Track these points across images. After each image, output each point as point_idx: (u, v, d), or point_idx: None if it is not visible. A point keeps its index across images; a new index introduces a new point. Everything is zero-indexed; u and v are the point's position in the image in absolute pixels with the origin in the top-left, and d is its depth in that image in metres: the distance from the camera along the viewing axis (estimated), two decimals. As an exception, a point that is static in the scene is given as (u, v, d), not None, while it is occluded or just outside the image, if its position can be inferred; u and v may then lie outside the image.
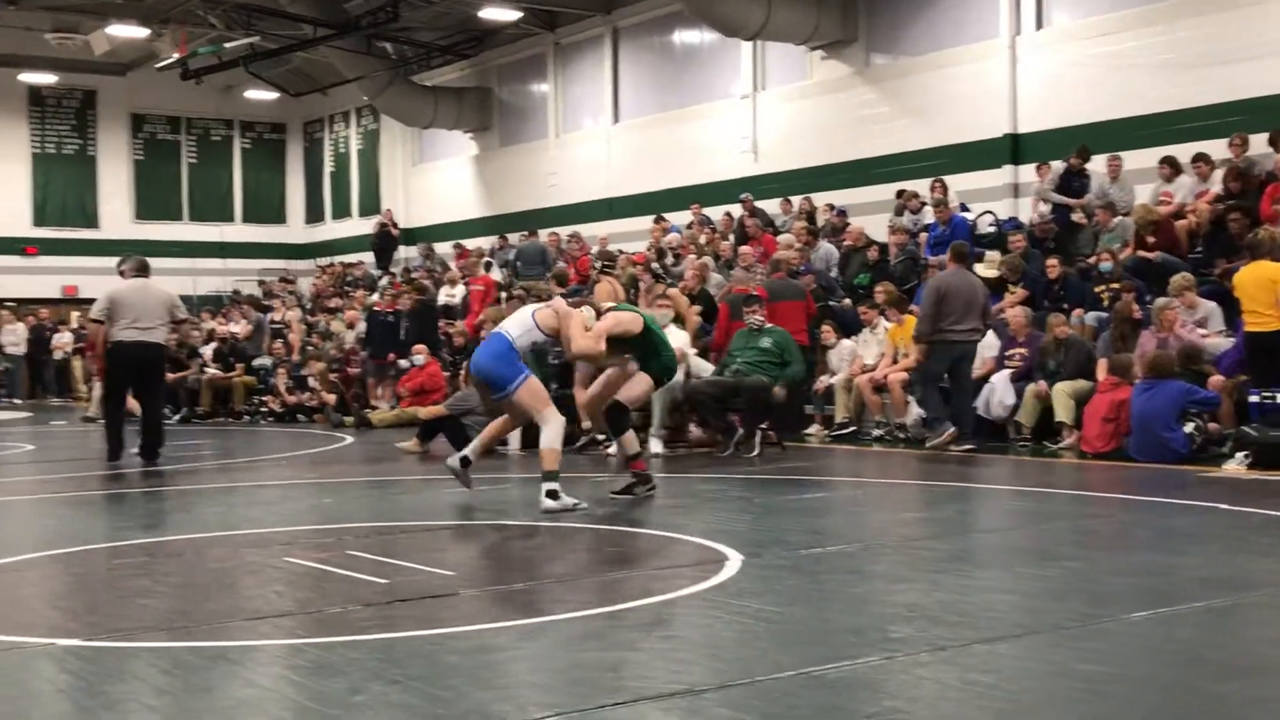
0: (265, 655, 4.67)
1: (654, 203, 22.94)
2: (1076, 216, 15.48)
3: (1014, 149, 18.02)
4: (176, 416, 20.23)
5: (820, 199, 19.57)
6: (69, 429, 16.04)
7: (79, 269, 29.96)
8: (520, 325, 8.73)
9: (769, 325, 12.64)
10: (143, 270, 12.74)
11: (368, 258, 29.34)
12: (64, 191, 32.30)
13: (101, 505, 9.89)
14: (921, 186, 17.61)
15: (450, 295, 21.12)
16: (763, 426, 12.33)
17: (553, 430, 8.49)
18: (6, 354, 27.21)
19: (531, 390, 8.58)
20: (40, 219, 31.96)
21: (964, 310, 12.16)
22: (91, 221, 32.44)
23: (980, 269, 14.92)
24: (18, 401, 26.37)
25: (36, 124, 31.97)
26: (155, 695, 4.09)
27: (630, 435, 9.12)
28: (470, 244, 25.88)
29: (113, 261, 13.62)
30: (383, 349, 18.65)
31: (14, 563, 6.77)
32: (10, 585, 6.31)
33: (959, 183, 17.70)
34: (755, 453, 11.80)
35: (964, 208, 17.08)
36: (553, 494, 8.22)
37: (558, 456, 8.41)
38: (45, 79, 31.03)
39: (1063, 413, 12.10)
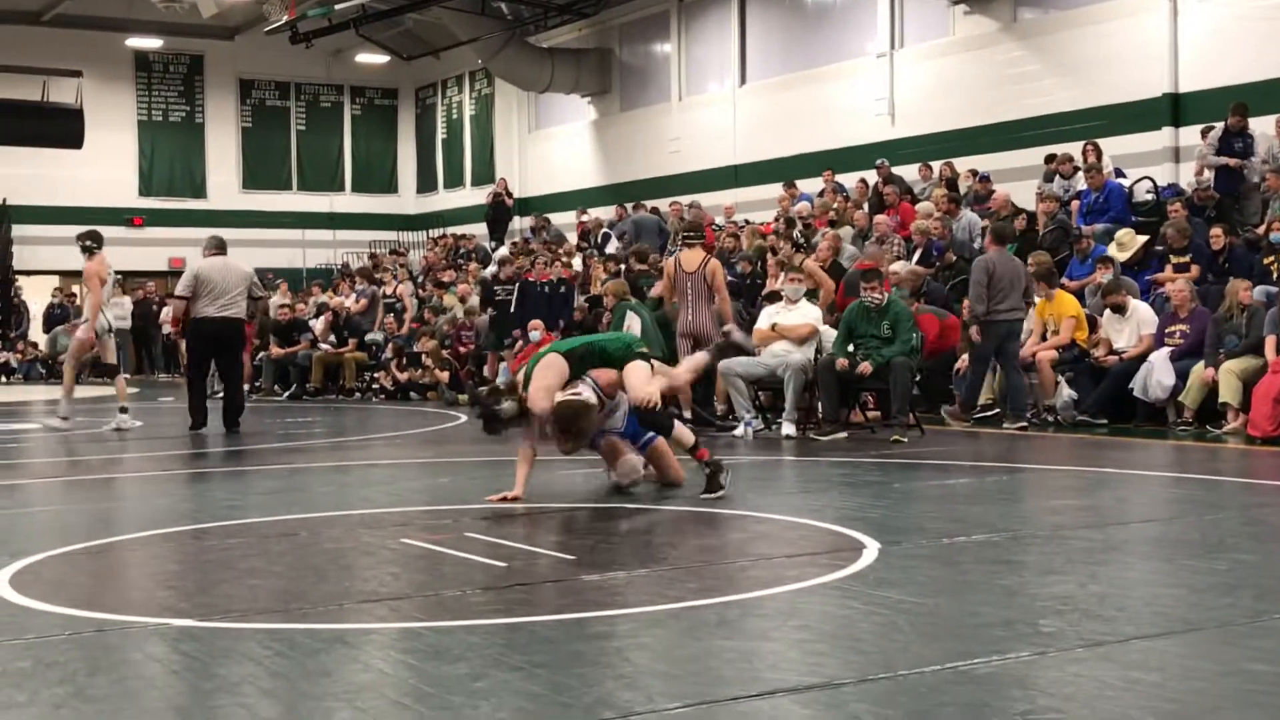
0: (382, 639, 4.74)
1: (783, 169, 22.83)
2: (1249, 176, 15.07)
3: (1174, 110, 17.64)
4: (286, 393, 20.64)
5: (962, 164, 19.31)
6: (177, 405, 16.41)
7: (186, 240, 28.99)
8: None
9: (889, 299, 12.42)
10: (221, 249, 14.24)
11: (480, 229, 29.59)
12: (171, 160, 32.85)
13: (212, 483, 10.12)
14: (1073, 150, 17.28)
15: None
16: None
17: None
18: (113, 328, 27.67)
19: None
20: (146, 189, 32.53)
21: (1009, 290, 12.55)
22: (199, 191, 33.02)
23: (1112, 250, 14.54)
24: (126, 377, 26.90)
25: (143, 90, 32.56)
26: (270, 678, 4.17)
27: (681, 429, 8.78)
28: (585, 216, 25.96)
29: (213, 232, 14.58)
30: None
31: (124, 541, 6.96)
32: (120, 564, 6.49)
33: (1114, 146, 17.35)
34: (899, 438, 11.65)
35: (1119, 173, 16.74)
36: None
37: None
38: (152, 44, 31.64)
39: (1228, 394, 11.78)
